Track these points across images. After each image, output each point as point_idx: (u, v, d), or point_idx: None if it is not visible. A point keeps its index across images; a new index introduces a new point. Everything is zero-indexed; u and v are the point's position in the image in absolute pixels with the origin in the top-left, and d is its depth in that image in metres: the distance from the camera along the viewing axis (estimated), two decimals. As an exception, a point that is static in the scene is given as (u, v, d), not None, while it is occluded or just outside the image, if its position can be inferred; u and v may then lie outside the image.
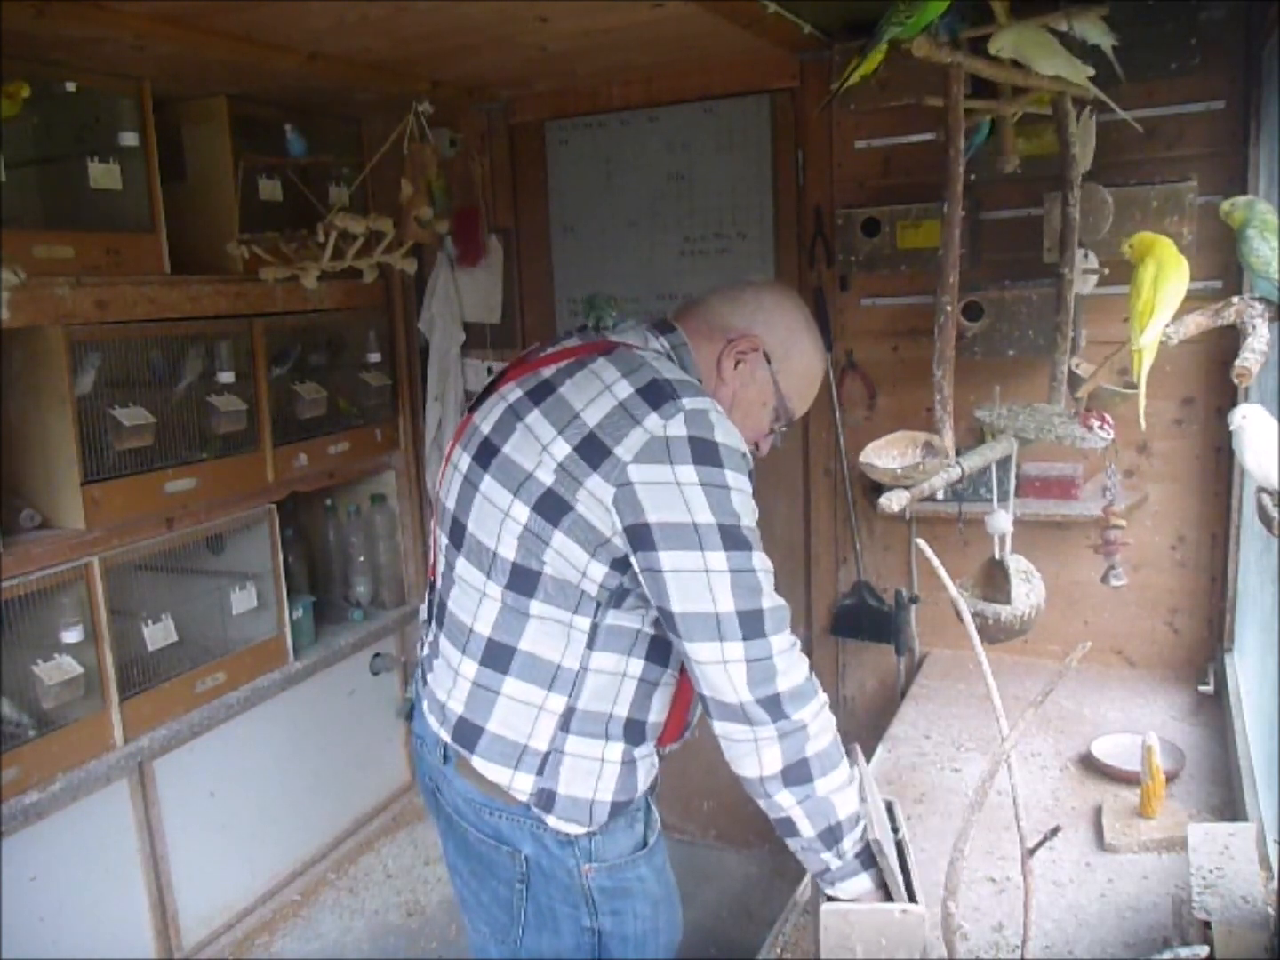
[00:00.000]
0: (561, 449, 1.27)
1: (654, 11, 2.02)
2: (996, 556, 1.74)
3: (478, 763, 1.37)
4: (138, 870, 2.35)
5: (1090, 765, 1.92)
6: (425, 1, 1.88)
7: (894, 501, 1.51)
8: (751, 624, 1.26)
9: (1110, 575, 1.83)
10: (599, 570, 1.29)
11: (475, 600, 1.36)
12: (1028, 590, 1.70)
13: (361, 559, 3.13)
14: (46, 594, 2.12)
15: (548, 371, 1.36)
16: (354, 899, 2.84)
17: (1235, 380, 1.35)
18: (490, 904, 1.48)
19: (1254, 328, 1.41)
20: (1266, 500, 1.28)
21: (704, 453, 1.25)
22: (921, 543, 1.28)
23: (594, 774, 1.36)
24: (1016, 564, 1.72)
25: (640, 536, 1.25)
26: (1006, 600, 1.68)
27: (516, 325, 3.01)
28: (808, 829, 1.31)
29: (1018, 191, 2.25)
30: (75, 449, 2.14)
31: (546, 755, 1.35)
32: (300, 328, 2.77)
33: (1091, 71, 1.68)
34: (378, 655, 3.11)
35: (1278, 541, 1.57)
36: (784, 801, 1.30)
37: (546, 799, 1.35)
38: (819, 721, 1.29)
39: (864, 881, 1.31)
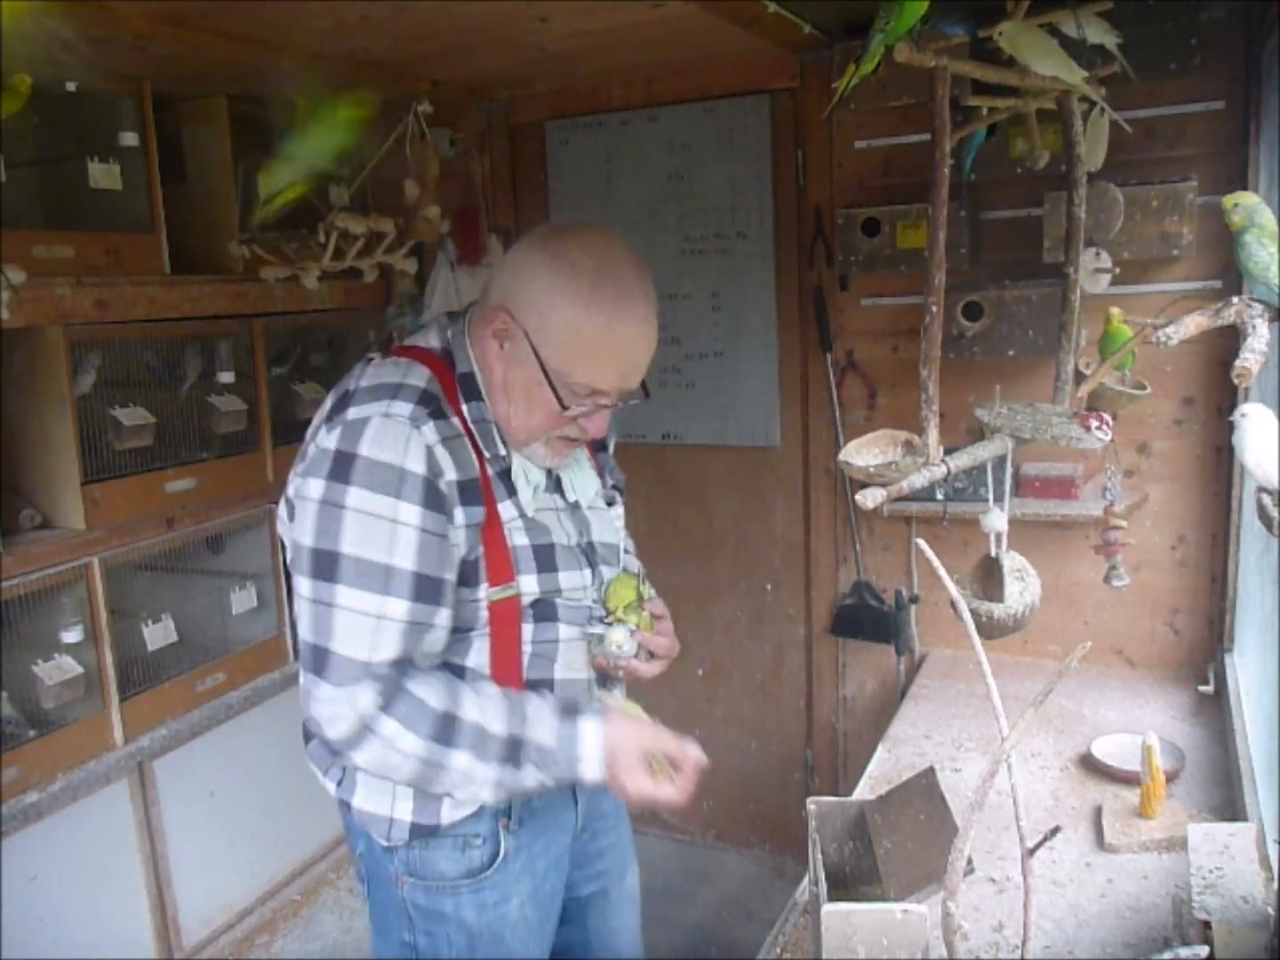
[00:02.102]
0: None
1: (654, 11, 2.02)
2: (991, 554, 1.74)
3: (309, 761, 1.40)
4: (138, 870, 2.35)
5: (1090, 765, 1.91)
6: (425, 1, 1.88)
7: (869, 499, 1.51)
8: (313, 658, 1.19)
9: (1112, 576, 1.83)
10: None
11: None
12: (1022, 589, 1.69)
13: (361, 559, 3.13)
14: (46, 594, 2.12)
15: None
16: (354, 899, 2.84)
17: (1235, 380, 1.35)
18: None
19: (1254, 328, 1.41)
20: (1266, 500, 1.28)
21: (338, 468, 1.17)
22: (921, 543, 1.28)
23: (387, 793, 1.32)
24: (1011, 562, 1.72)
25: None
26: (1000, 598, 1.68)
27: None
28: (484, 796, 1.26)
29: (1018, 191, 2.25)
30: (75, 449, 2.14)
31: (344, 769, 1.34)
32: (300, 328, 2.77)
33: (1086, 73, 1.68)
34: (378, 655, 3.11)
35: (1278, 541, 1.57)
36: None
37: (346, 809, 1.36)
38: (378, 765, 1.22)
39: (544, 730, 1.25)
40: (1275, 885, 1.24)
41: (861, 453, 1.60)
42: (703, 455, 2.85)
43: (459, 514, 1.22)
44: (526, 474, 1.32)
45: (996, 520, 1.72)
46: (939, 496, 2.36)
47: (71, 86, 2.14)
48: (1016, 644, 2.31)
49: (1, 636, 2.06)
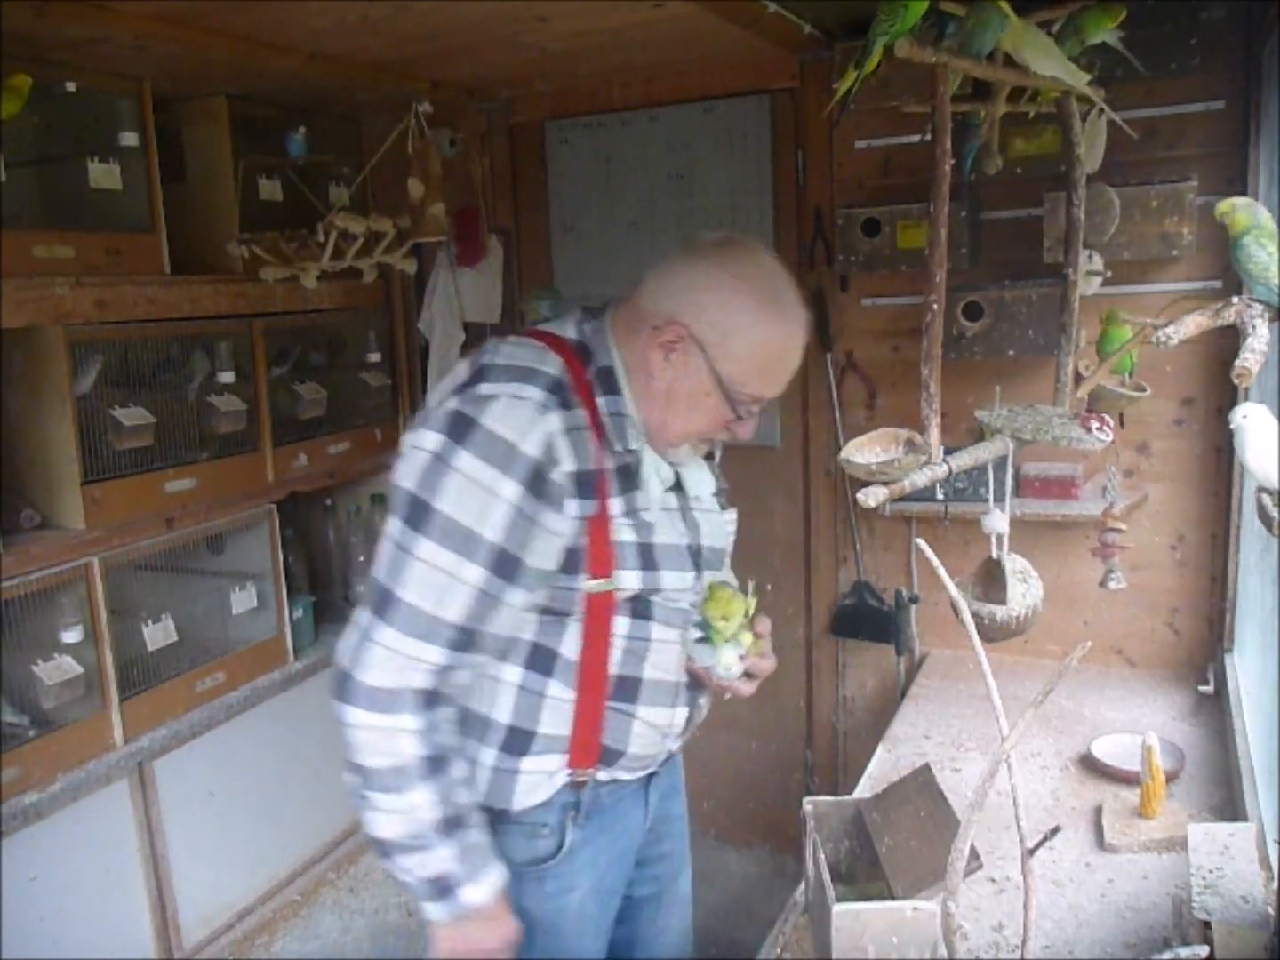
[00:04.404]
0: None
1: (654, 11, 2.02)
2: (993, 556, 1.74)
3: None
4: (138, 870, 2.35)
5: (1090, 765, 1.92)
6: (425, 1, 1.88)
7: (870, 497, 1.51)
8: (379, 599, 1.23)
9: (1109, 579, 1.83)
10: None
11: None
12: (1024, 590, 1.69)
13: (361, 559, 3.13)
14: (46, 594, 2.11)
15: None
16: (354, 899, 2.84)
17: (1235, 380, 1.35)
18: None
19: (1254, 328, 1.41)
20: (1266, 500, 1.28)
21: (456, 429, 1.20)
22: (921, 543, 1.28)
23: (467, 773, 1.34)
24: (1013, 564, 1.72)
25: None
26: (1003, 600, 1.68)
27: (516, 325, 3.01)
28: (366, 825, 1.28)
29: (1018, 191, 2.25)
30: (75, 449, 2.14)
31: None
32: (300, 328, 2.77)
33: (1088, 77, 1.68)
34: (378, 655, 3.11)
35: (1278, 541, 1.57)
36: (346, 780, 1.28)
37: None
38: (365, 735, 1.23)
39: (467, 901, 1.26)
40: (1275, 885, 1.24)
41: (862, 451, 1.60)
42: (703, 455, 2.85)
43: (572, 505, 1.24)
44: (658, 471, 1.34)
45: (998, 522, 1.72)
46: (939, 496, 2.36)
47: (71, 86, 2.15)
48: (1016, 644, 2.29)
49: (1, 636, 2.06)
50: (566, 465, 1.23)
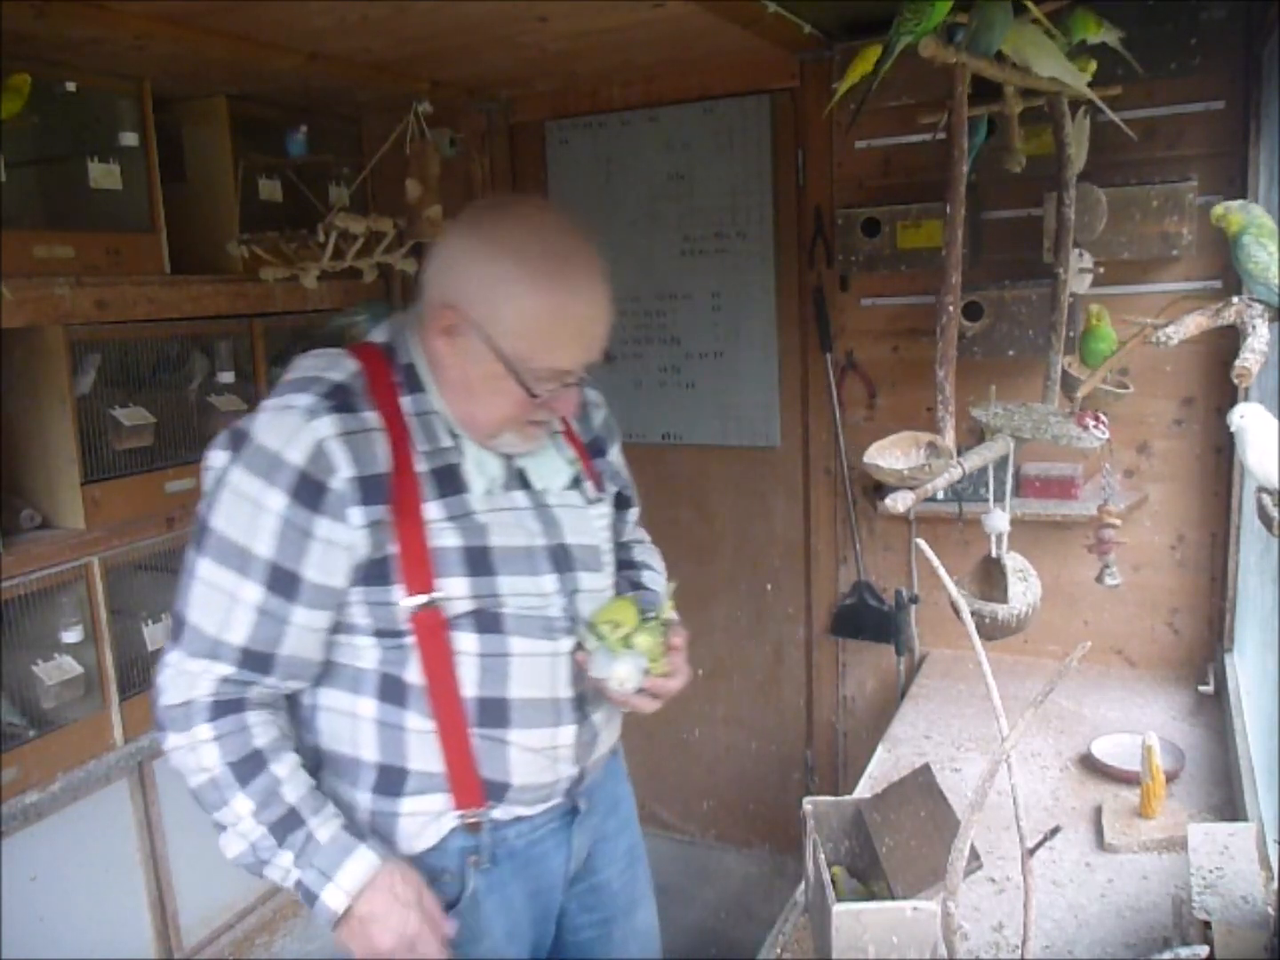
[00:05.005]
0: None
1: (654, 11, 2.02)
2: (993, 555, 1.74)
3: None
4: (138, 870, 2.35)
5: (1090, 765, 1.92)
6: (425, 2, 1.88)
7: (899, 502, 1.49)
8: (174, 624, 1.20)
9: (1105, 574, 1.83)
10: None
11: None
12: (1024, 589, 1.70)
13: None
14: (46, 594, 2.11)
15: None
16: (354, 899, 2.84)
17: (1235, 380, 1.35)
18: None
19: (1254, 328, 1.41)
20: (1266, 500, 1.28)
21: (233, 442, 1.18)
22: (921, 543, 1.28)
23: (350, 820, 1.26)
24: (1013, 562, 1.72)
25: None
26: (1003, 599, 1.68)
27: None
28: (222, 851, 1.21)
29: (1018, 191, 2.25)
30: (75, 449, 2.14)
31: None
32: (300, 328, 2.77)
33: (1087, 77, 1.68)
34: (378, 655, 3.11)
35: (1278, 541, 1.57)
36: None
37: None
38: (178, 758, 1.20)
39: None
40: (1275, 885, 1.24)
41: (884, 455, 1.57)
42: (703, 455, 2.85)
43: (355, 513, 1.16)
44: (481, 467, 1.25)
45: (999, 521, 1.72)
46: (939, 496, 2.36)
47: (71, 86, 2.15)
48: (1016, 644, 2.31)
49: (1, 636, 2.06)
50: (345, 471, 1.15)
